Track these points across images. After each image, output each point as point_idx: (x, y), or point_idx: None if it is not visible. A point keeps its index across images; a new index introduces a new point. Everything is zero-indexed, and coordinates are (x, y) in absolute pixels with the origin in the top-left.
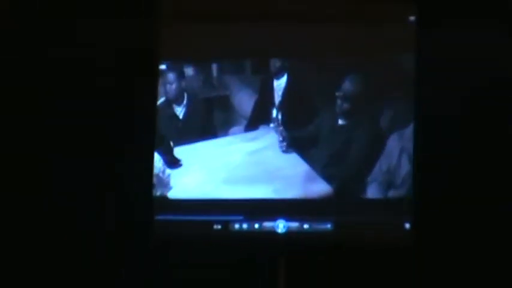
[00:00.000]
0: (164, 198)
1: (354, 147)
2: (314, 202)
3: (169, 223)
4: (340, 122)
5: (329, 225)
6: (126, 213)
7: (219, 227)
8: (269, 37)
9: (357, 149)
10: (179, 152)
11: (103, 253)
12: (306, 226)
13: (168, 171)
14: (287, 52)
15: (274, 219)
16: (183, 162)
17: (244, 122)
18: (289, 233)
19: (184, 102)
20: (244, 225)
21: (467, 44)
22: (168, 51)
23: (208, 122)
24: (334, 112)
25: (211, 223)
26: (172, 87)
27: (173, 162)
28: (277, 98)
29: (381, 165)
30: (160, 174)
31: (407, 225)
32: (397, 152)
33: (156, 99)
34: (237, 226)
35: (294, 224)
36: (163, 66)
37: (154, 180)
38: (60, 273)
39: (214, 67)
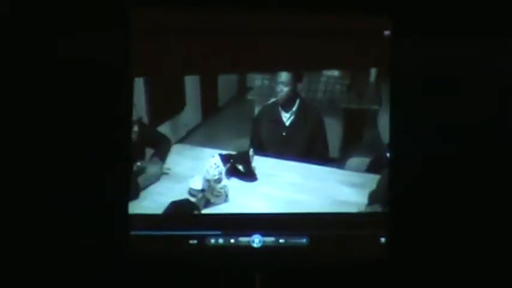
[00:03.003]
0: (140, 214)
1: None
2: (290, 217)
3: (145, 238)
4: None
5: (304, 240)
6: (103, 228)
7: (195, 241)
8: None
9: None
10: (259, 163)
11: (80, 266)
12: (281, 241)
13: (224, 181)
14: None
15: (249, 234)
16: (258, 177)
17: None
18: (264, 248)
19: (294, 108)
20: (220, 240)
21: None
22: None
23: (320, 140)
24: None
25: (187, 238)
26: (284, 89)
27: (248, 174)
28: None
29: None
30: (212, 183)
31: (382, 239)
32: None
33: (131, 111)
34: (212, 241)
35: (270, 239)
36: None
37: (204, 185)
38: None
39: (372, 71)
